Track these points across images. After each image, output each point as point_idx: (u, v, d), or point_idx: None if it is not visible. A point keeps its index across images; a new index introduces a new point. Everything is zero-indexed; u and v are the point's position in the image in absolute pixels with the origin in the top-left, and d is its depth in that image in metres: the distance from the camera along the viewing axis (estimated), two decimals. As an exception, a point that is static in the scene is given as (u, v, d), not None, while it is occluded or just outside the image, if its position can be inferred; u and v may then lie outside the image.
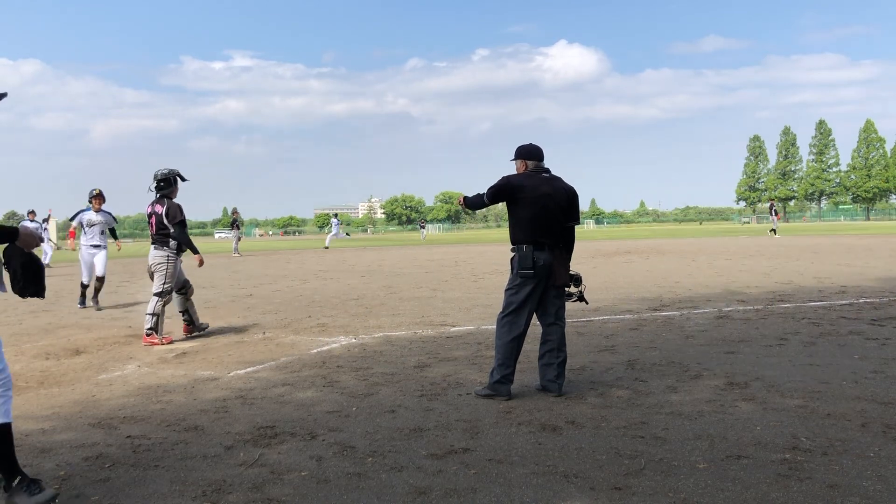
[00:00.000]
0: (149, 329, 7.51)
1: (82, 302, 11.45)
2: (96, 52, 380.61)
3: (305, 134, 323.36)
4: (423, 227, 67.70)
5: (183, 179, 7.96)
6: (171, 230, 7.70)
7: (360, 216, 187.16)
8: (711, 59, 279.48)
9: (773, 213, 40.40)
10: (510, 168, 5.32)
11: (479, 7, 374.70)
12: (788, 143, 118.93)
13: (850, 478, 3.35)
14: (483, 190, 5.23)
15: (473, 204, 5.30)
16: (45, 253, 23.51)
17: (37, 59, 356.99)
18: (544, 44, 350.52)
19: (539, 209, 4.99)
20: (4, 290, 3.42)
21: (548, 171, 5.18)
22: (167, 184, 7.83)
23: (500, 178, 5.12)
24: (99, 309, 11.13)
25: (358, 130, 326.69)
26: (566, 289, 5.22)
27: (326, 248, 35.57)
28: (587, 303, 5.54)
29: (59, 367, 6.44)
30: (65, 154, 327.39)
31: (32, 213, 23.46)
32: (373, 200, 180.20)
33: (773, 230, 37.45)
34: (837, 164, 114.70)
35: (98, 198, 11.45)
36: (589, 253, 24.07)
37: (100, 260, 11.46)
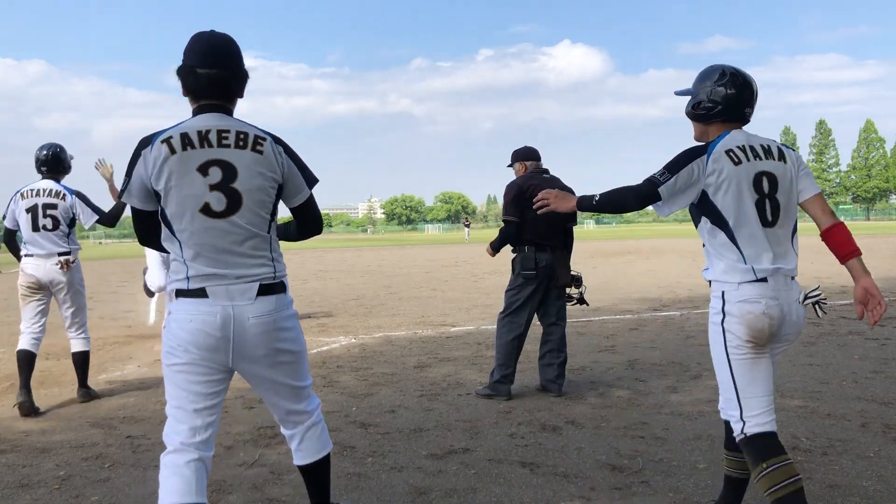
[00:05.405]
0: None
1: None
2: (101, 53, 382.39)
3: (308, 134, 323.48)
4: (468, 226, 61.21)
5: None
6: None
7: (360, 216, 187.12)
8: (716, 60, 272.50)
9: None
10: (510, 169, 5.31)
11: (483, 7, 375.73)
12: (789, 143, 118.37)
13: (850, 478, 3.35)
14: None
15: (504, 238, 5.06)
16: None
17: (42, 59, 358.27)
18: (548, 44, 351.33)
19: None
20: None
21: (547, 171, 5.18)
22: None
23: (507, 187, 5.07)
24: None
25: (360, 130, 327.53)
26: (567, 291, 5.21)
27: None
28: (587, 304, 5.50)
29: (59, 367, 6.44)
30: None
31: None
32: (373, 200, 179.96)
33: None
34: (837, 164, 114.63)
35: None
36: (589, 253, 24.07)
37: None
